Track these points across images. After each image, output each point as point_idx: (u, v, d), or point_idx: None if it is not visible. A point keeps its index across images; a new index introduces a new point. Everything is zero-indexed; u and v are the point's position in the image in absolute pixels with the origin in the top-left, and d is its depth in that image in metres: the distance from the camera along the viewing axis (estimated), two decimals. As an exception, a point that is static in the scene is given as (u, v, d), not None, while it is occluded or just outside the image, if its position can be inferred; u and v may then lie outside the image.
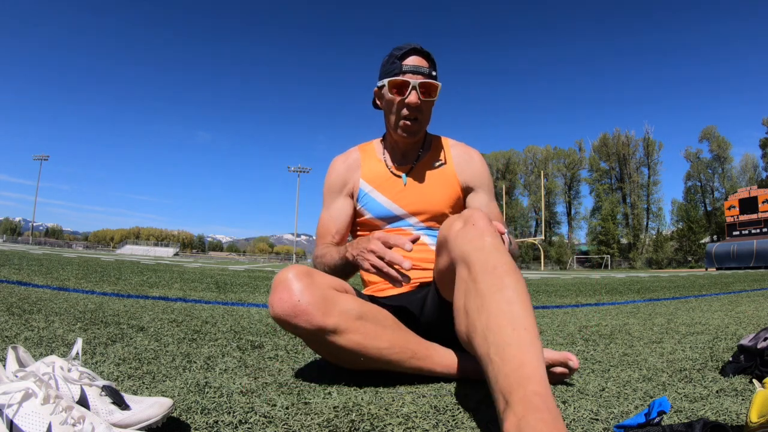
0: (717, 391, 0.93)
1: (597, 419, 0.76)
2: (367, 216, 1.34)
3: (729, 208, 31.05)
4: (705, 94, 78.19)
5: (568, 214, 53.63)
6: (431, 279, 1.19)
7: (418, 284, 1.24)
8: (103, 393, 0.64)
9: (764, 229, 28.29)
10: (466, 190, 1.39)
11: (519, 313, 0.70)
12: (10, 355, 0.63)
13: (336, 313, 0.95)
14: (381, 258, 0.96)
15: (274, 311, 0.94)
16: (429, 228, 1.32)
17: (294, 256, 47.98)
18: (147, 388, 0.87)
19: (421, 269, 1.24)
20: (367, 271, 1.01)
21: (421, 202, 1.33)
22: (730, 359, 1.13)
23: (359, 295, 1.16)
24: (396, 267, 0.95)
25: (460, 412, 0.80)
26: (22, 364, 0.63)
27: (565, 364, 1.02)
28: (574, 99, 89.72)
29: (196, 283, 4.18)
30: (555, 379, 1.04)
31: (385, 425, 0.72)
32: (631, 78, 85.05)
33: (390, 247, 0.98)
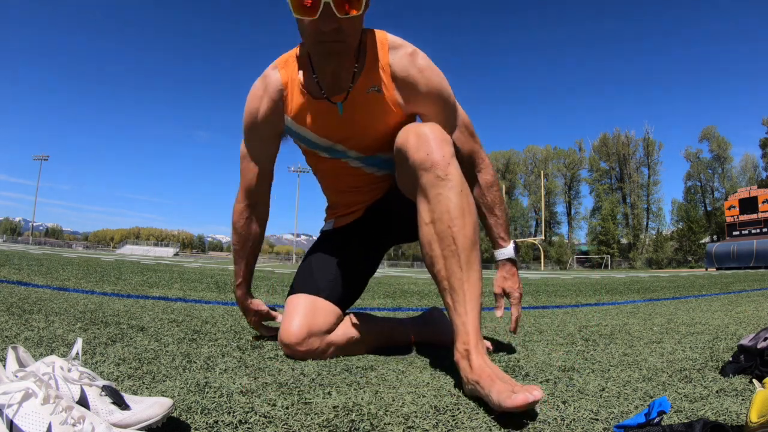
0: (717, 391, 0.93)
1: (597, 419, 0.76)
2: (303, 146, 1.30)
3: (729, 208, 31.03)
4: (705, 94, 78.26)
5: (568, 214, 53.64)
6: (379, 197, 1.39)
7: (366, 208, 1.40)
8: (103, 393, 0.64)
9: (764, 229, 28.26)
10: (415, 115, 1.21)
11: (465, 274, 0.95)
12: (10, 355, 0.63)
13: (331, 345, 1.23)
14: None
15: (283, 348, 1.21)
16: (371, 156, 1.27)
17: (294, 256, 47.96)
18: (147, 388, 0.87)
19: (367, 191, 1.38)
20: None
21: (358, 136, 1.20)
22: (730, 359, 1.12)
23: (324, 236, 1.47)
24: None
25: (460, 412, 0.80)
26: (22, 364, 0.63)
27: None
28: (574, 99, 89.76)
29: (196, 283, 4.18)
30: None
31: (385, 425, 0.72)
32: (631, 78, 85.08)
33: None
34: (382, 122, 1.17)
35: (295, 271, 1.44)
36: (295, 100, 1.18)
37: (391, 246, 1.55)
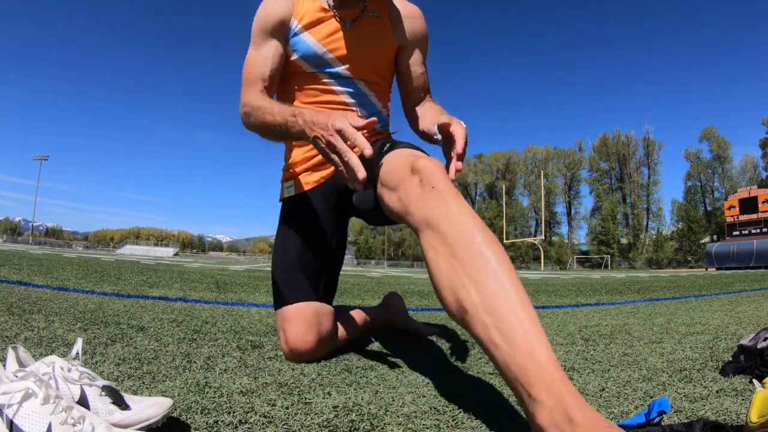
0: (717, 391, 0.93)
1: (597, 419, 0.76)
2: (294, 57, 1.29)
3: (729, 208, 31.02)
4: (705, 94, 78.25)
5: (568, 214, 53.66)
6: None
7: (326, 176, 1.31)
8: (103, 393, 0.64)
9: (764, 229, 28.25)
10: (400, 49, 1.38)
11: (511, 292, 0.66)
12: (10, 355, 0.63)
13: (332, 347, 1.27)
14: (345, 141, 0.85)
15: (290, 356, 1.19)
16: (358, 87, 1.31)
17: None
18: (147, 388, 0.87)
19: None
20: (320, 153, 0.90)
21: (354, 47, 1.28)
22: (730, 359, 1.13)
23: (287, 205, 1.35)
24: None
25: (460, 412, 0.80)
26: (22, 364, 0.63)
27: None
28: (574, 99, 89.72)
29: (196, 283, 4.18)
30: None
31: (385, 425, 0.72)
32: (631, 78, 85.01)
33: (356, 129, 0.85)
34: (376, 45, 1.32)
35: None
36: (306, 6, 1.29)
37: (352, 216, 1.38)
